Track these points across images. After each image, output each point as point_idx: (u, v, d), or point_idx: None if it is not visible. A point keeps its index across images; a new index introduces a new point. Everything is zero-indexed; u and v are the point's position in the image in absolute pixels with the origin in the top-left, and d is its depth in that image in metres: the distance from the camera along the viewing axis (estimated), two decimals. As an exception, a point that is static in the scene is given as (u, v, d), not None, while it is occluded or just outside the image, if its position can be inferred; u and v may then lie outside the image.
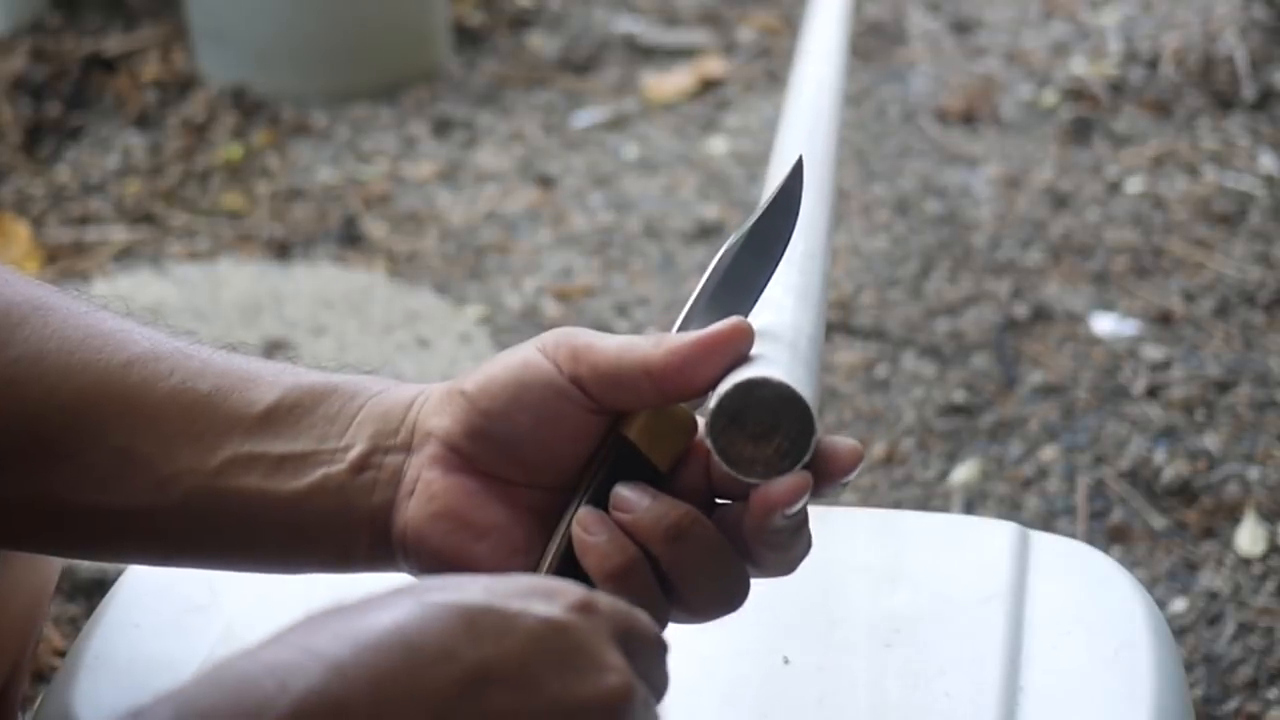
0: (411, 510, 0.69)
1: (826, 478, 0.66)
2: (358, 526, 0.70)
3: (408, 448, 0.70)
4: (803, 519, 0.67)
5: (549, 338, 0.69)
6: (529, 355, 0.69)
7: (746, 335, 0.67)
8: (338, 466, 0.70)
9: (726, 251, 0.72)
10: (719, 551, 0.66)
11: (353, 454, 0.70)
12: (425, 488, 0.69)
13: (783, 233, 0.73)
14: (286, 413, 0.71)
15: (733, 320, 0.67)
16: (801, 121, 1.12)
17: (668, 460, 0.68)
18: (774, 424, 0.64)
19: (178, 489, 0.70)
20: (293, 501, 0.70)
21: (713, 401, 0.65)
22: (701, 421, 0.66)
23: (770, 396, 0.64)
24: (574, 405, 0.68)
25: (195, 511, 0.71)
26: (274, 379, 0.72)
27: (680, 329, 0.71)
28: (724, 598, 0.68)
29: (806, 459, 0.64)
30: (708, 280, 0.72)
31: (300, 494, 0.70)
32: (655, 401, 0.68)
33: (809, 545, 0.69)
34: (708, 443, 0.65)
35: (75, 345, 0.72)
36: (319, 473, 0.70)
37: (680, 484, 0.69)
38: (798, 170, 0.74)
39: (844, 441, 0.67)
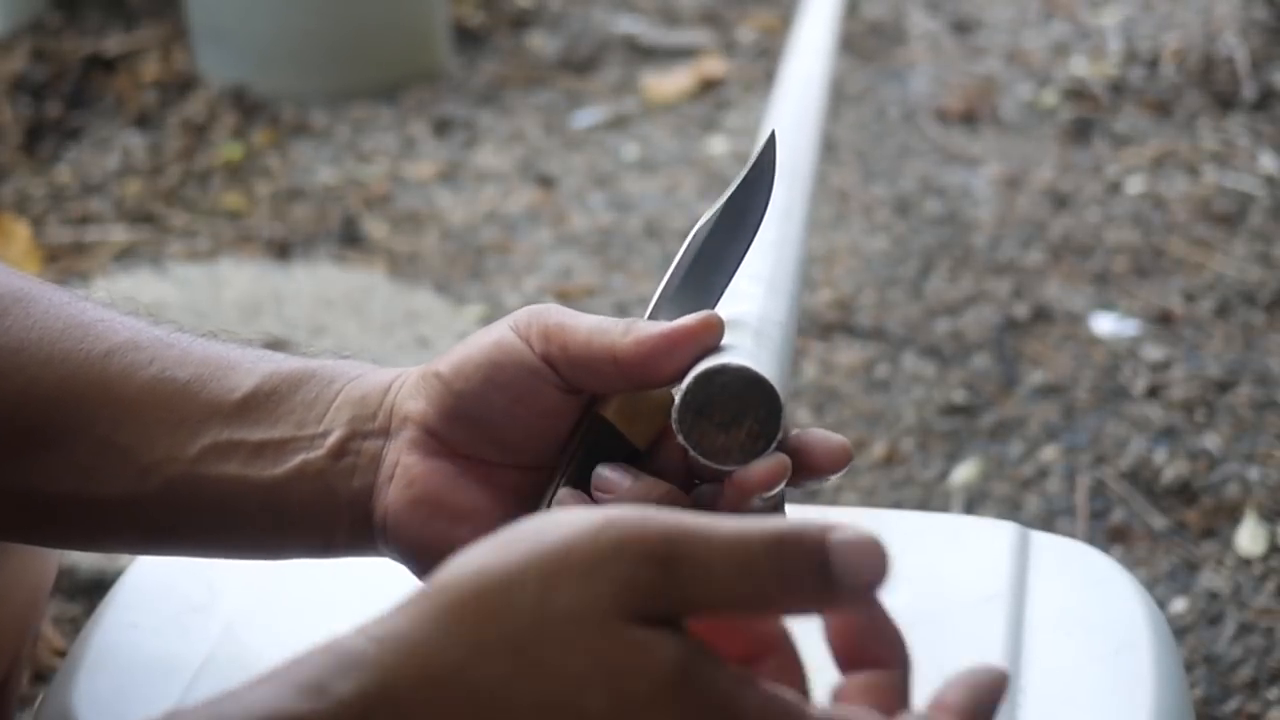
0: (391, 496, 0.69)
1: (810, 471, 0.66)
2: (338, 512, 0.70)
3: (386, 432, 0.70)
4: (780, 499, 0.67)
5: (522, 316, 0.69)
6: (502, 334, 0.69)
7: (715, 329, 0.67)
8: (316, 452, 0.70)
9: (700, 229, 0.72)
10: None
11: (331, 439, 0.70)
12: (404, 473, 0.69)
13: (756, 208, 0.73)
14: (264, 399, 0.71)
15: (702, 314, 0.67)
16: (785, 112, 1.13)
17: (645, 439, 0.68)
18: (740, 409, 0.64)
19: (157, 477, 0.71)
20: (272, 488, 0.70)
21: (678, 397, 0.65)
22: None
23: (732, 382, 0.64)
24: (548, 384, 0.68)
25: (175, 499, 0.71)
26: (252, 365, 0.72)
27: (654, 308, 0.71)
28: None
29: (778, 439, 0.64)
30: (682, 258, 0.72)
31: (279, 480, 0.70)
32: (623, 387, 0.68)
33: None
34: (679, 438, 0.65)
35: (57, 336, 0.72)
36: (298, 459, 0.70)
37: (659, 462, 0.69)
38: (770, 145, 0.74)
39: (831, 437, 0.66)
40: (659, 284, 0.72)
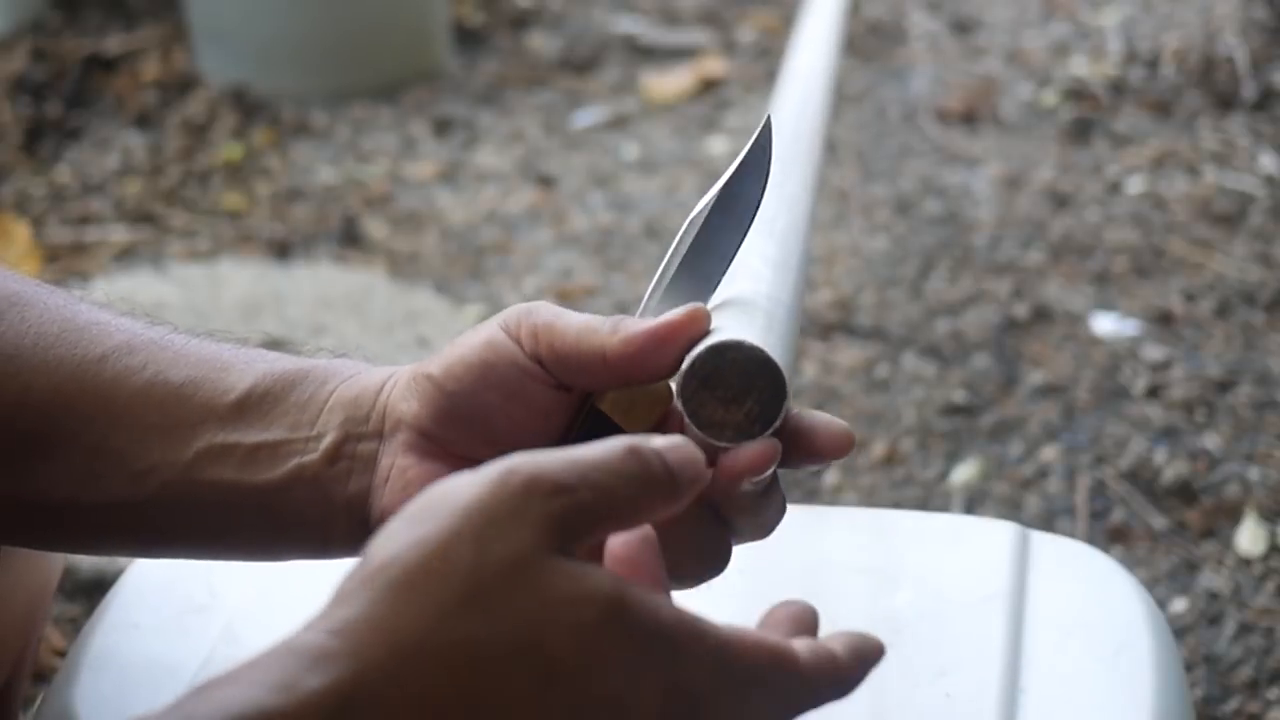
0: (388, 499, 0.69)
1: (810, 454, 0.66)
2: (334, 515, 0.70)
3: (380, 434, 0.70)
4: (771, 483, 0.67)
5: (511, 315, 0.69)
6: (492, 334, 0.69)
7: (701, 322, 0.67)
8: (311, 456, 0.70)
9: (697, 216, 0.72)
10: (697, 517, 0.66)
11: (325, 442, 0.70)
12: (400, 475, 0.69)
13: (754, 194, 0.72)
14: (259, 401, 0.71)
15: (688, 307, 0.67)
16: (791, 102, 1.12)
17: (642, 430, 0.68)
18: (745, 388, 0.64)
19: (153, 482, 0.70)
20: (268, 492, 0.70)
21: (685, 363, 0.65)
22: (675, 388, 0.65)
23: (742, 360, 0.64)
24: (540, 383, 0.68)
25: (170, 504, 0.71)
26: (246, 366, 0.72)
27: (649, 298, 0.71)
28: (703, 562, 0.67)
29: (777, 424, 0.64)
30: (678, 246, 0.71)
31: (275, 484, 0.70)
32: (614, 384, 0.68)
33: (782, 509, 0.68)
34: (678, 404, 0.65)
35: (51, 341, 0.72)
36: (293, 462, 0.70)
37: None
38: (766, 130, 0.73)
39: (834, 422, 0.66)
40: (656, 272, 0.72)
